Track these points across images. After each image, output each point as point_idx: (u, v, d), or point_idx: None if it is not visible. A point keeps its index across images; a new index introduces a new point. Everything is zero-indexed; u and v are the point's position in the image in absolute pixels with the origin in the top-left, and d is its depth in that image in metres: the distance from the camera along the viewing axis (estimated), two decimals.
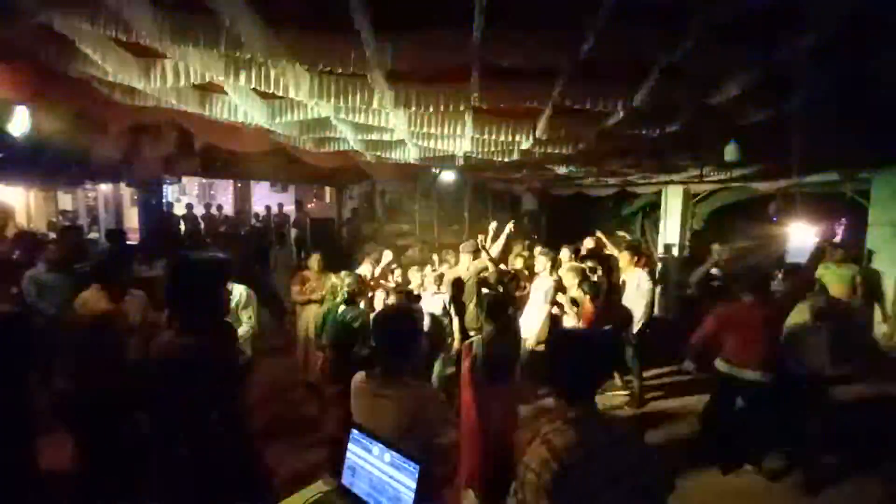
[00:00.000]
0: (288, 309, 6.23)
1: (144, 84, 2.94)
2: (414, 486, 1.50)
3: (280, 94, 2.96)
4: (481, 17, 1.97)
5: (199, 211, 11.36)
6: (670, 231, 8.40)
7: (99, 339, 2.57)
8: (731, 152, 3.90)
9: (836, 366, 3.72)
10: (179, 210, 11.35)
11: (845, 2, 1.91)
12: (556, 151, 4.50)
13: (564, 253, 5.56)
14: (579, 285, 4.45)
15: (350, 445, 1.72)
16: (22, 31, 2.51)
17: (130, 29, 2.22)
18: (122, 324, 2.60)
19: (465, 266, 4.75)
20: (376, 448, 1.63)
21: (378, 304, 4.36)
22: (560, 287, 4.68)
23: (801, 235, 6.76)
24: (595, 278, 4.78)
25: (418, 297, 4.51)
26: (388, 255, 5.02)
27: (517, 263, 6.05)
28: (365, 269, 4.93)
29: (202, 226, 10.86)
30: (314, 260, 5.22)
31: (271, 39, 2.26)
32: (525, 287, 5.31)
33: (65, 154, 5.26)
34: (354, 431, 1.72)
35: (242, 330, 3.49)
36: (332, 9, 2.03)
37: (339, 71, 2.45)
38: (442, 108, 2.99)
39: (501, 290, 4.43)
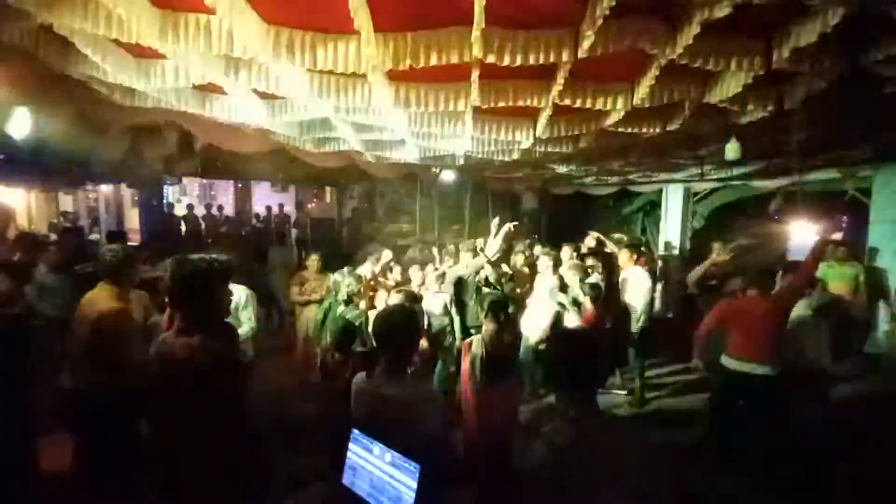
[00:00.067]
0: (287, 309, 6.24)
1: (144, 84, 2.95)
2: (415, 485, 1.49)
3: (280, 94, 2.97)
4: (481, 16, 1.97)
5: (199, 211, 11.37)
6: (671, 229, 8.40)
7: (106, 338, 2.58)
8: (731, 150, 3.89)
9: (836, 363, 3.71)
10: (180, 211, 11.36)
11: None
12: (556, 150, 4.51)
13: (565, 251, 5.57)
14: (580, 283, 4.44)
15: (351, 445, 1.72)
16: (22, 32, 2.51)
17: (130, 29, 2.23)
18: (129, 323, 2.60)
19: (465, 265, 4.75)
20: (377, 448, 1.63)
21: (380, 304, 4.36)
22: (562, 286, 4.68)
23: (802, 233, 6.75)
24: (595, 276, 4.78)
25: (420, 298, 4.51)
26: (387, 255, 5.02)
27: (518, 261, 6.05)
28: (365, 269, 4.93)
29: (203, 226, 10.87)
30: (313, 260, 5.22)
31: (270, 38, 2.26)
32: (525, 286, 5.30)
33: (65, 155, 5.27)
34: (355, 431, 1.72)
35: (243, 330, 3.48)
36: (333, 8, 2.03)
37: (339, 70, 2.45)
38: (442, 107, 2.99)
39: (500, 288, 4.42)
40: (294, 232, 11.64)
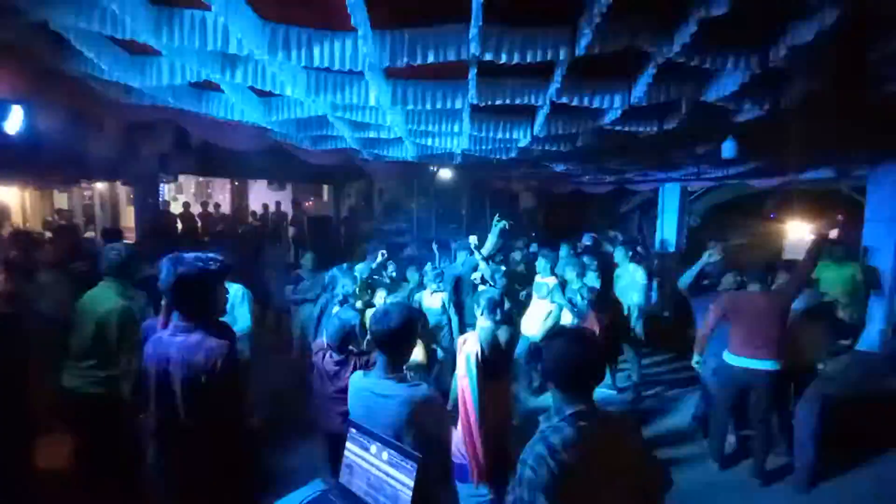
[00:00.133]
0: (283, 308, 6.22)
1: (140, 82, 2.93)
2: (412, 484, 1.50)
3: (277, 91, 2.96)
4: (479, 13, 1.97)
5: (195, 209, 11.31)
6: (667, 228, 8.43)
7: (112, 335, 2.58)
8: (728, 149, 3.91)
9: (829, 362, 3.73)
10: (176, 209, 11.29)
11: None
12: (554, 149, 4.50)
13: (564, 249, 5.60)
14: (578, 282, 4.47)
15: (348, 444, 1.72)
16: (17, 28, 2.49)
17: (125, 26, 2.21)
18: (134, 320, 2.60)
19: (461, 262, 4.76)
20: (374, 446, 1.63)
21: (377, 304, 4.36)
22: (561, 285, 4.70)
23: (797, 232, 6.79)
24: (592, 276, 4.80)
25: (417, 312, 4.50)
26: (382, 254, 5.02)
27: (516, 259, 6.07)
28: (363, 268, 4.91)
29: (199, 224, 10.82)
30: (308, 259, 5.21)
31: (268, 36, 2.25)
32: (523, 283, 5.32)
33: (60, 152, 5.23)
34: (352, 430, 1.72)
35: (239, 329, 3.48)
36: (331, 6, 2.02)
37: (336, 68, 2.44)
38: (439, 105, 2.98)
39: (494, 285, 4.42)
40: (291, 230, 11.60)
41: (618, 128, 3.66)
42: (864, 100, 3.14)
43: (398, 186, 10.75)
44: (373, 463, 1.62)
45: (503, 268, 5.36)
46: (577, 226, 8.23)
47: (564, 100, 2.98)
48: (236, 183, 15.30)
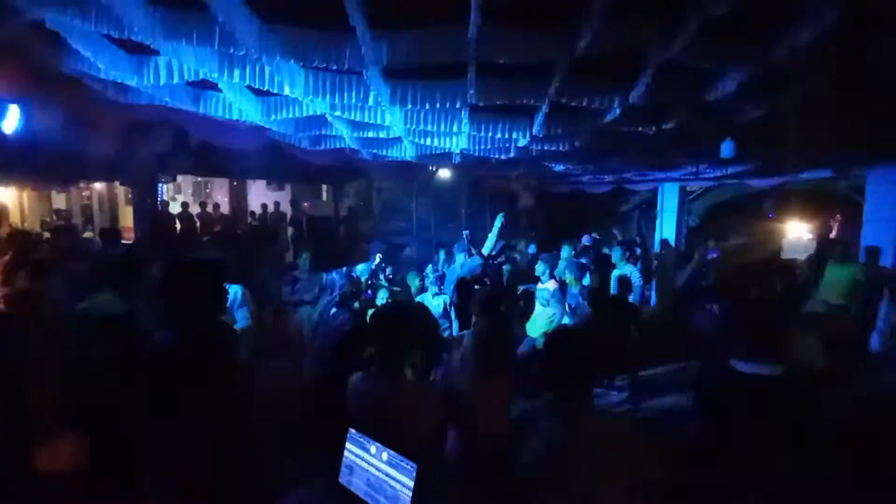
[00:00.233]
0: (280, 308, 6.21)
1: (137, 81, 2.92)
2: (412, 484, 1.49)
3: (275, 91, 2.95)
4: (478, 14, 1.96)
5: (194, 210, 11.29)
6: (666, 227, 8.43)
7: (117, 342, 2.57)
8: (727, 149, 3.91)
9: (830, 365, 3.72)
10: (175, 209, 11.27)
11: None
12: (553, 149, 4.50)
13: (565, 250, 5.60)
14: (577, 284, 4.47)
15: (347, 444, 1.71)
16: (14, 28, 2.48)
17: (123, 25, 2.20)
18: (136, 327, 2.60)
19: (460, 264, 4.76)
20: (374, 447, 1.63)
21: (380, 303, 4.35)
22: (561, 287, 4.70)
23: (796, 231, 6.80)
24: (591, 276, 4.80)
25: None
26: (378, 256, 5.02)
27: (516, 258, 6.08)
28: (362, 269, 4.91)
29: (198, 224, 10.80)
30: (304, 259, 5.20)
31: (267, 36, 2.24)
32: (522, 283, 5.33)
33: (58, 152, 5.21)
34: (352, 430, 1.72)
35: (238, 329, 3.47)
36: (329, 5, 2.02)
37: (335, 68, 2.44)
38: (438, 105, 2.98)
39: (489, 283, 4.43)
40: (290, 230, 11.58)
41: (617, 128, 3.66)
42: (864, 100, 3.14)
43: (397, 186, 10.74)
44: (372, 463, 1.62)
45: (507, 267, 5.37)
46: (576, 225, 8.22)
47: (564, 100, 2.98)
48: (235, 183, 15.27)
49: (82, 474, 2.68)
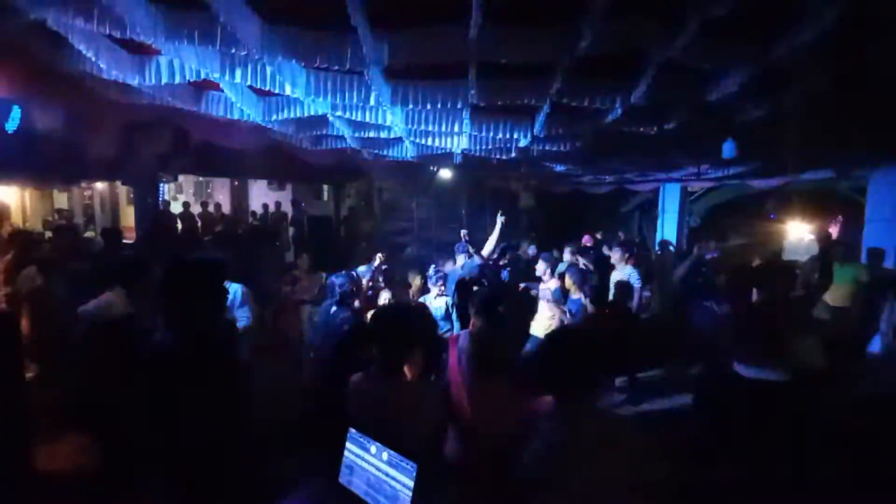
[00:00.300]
0: (281, 307, 6.21)
1: (139, 81, 2.93)
2: (412, 484, 1.49)
3: (277, 91, 2.95)
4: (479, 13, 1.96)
5: (195, 209, 11.30)
6: (667, 228, 8.43)
7: (123, 343, 2.57)
8: (728, 150, 3.90)
9: (831, 367, 3.71)
10: (176, 208, 11.28)
11: None
12: (554, 149, 4.50)
13: (567, 253, 5.60)
14: (579, 285, 4.47)
15: (348, 444, 1.71)
16: (14, 27, 2.49)
17: (125, 25, 2.21)
18: (137, 327, 2.60)
19: (460, 265, 4.76)
20: (374, 447, 1.63)
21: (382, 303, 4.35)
22: (563, 288, 4.69)
23: (797, 232, 6.78)
24: (591, 277, 4.80)
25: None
26: (378, 257, 5.02)
27: (516, 258, 6.08)
28: (364, 270, 4.91)
29: (199, 224, 10.81)
30: (304, 259, 5.20)
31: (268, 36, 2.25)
32: (522, 283, 5.31)
33: (59, 152, 5.22)
34: (352, 430, 1.72)
35: (239, 328, 3.47)
36: (330, 6, 2.02)
37: (336, 68, 2.44)
38: (440, 105, 2.98)
39: (486, 283, 4.42)
40: (291, 230, 11.59)
41: (618, 128, 3.66)
42: (865, 100, 3.14)
43: (398, 186, 10.74)
44: (373, 463, 1.62)
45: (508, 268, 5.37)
46: (577, 226, 8.21)
47: (565, 100, 2.98)
48: (236, 183, 15.28)
49: (83, 474, 2.69)
